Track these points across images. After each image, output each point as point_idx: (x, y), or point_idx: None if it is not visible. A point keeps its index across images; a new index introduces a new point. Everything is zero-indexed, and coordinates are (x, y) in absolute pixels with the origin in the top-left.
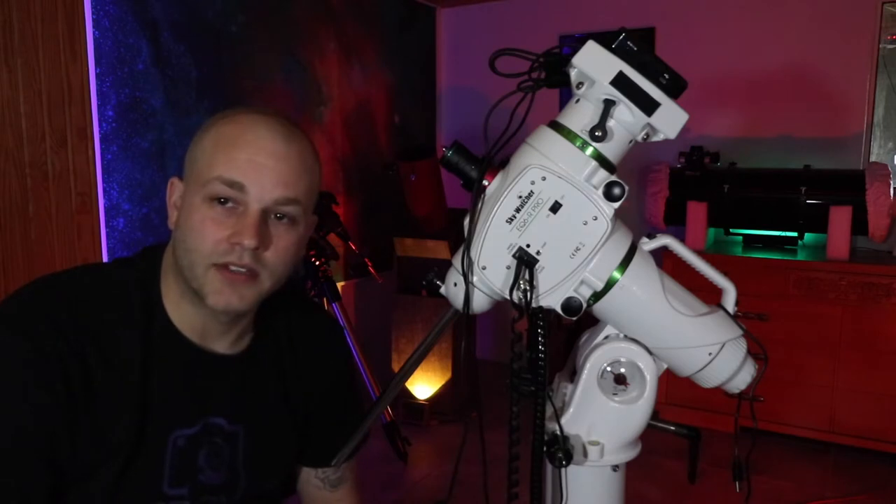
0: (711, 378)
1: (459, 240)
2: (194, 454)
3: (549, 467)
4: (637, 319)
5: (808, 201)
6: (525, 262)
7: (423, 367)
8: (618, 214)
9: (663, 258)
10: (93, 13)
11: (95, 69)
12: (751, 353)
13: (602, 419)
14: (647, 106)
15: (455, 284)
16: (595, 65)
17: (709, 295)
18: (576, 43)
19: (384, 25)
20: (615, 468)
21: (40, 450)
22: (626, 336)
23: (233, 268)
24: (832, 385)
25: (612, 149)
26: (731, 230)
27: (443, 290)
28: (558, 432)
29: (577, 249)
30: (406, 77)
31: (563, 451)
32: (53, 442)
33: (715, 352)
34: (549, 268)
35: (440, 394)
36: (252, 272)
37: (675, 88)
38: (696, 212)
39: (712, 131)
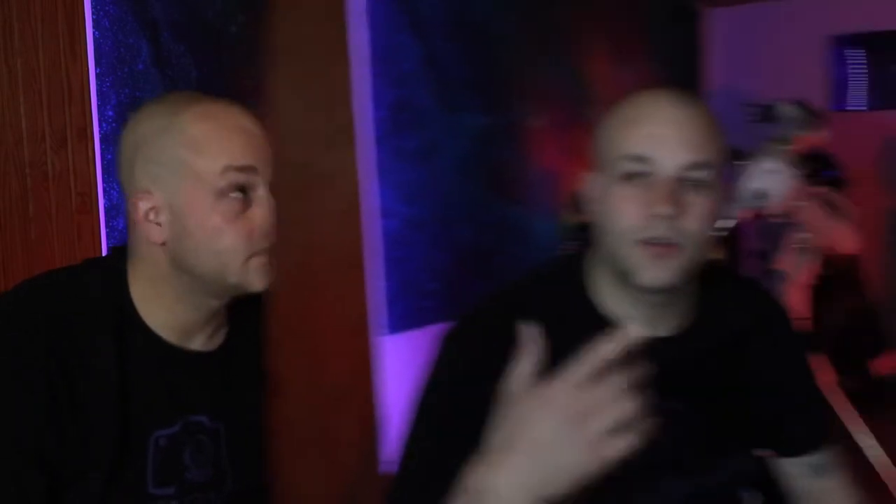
0: None
1: None
2: (179, 453)
3: None
4: None
5: None
6: None
7: None
8: None
9: None
10: (93, 13)
11: (95, 69)
12: None
13: None
14: None
15: None
16: None
17: None
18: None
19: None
20: None
21: (34, 459)
22: None
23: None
24: None
25: None
26: None
27: None
28: None
29: None
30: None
31: None
32: (44, 452)
33: None
34: None
35: None
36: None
37: None
38: None
39: None
